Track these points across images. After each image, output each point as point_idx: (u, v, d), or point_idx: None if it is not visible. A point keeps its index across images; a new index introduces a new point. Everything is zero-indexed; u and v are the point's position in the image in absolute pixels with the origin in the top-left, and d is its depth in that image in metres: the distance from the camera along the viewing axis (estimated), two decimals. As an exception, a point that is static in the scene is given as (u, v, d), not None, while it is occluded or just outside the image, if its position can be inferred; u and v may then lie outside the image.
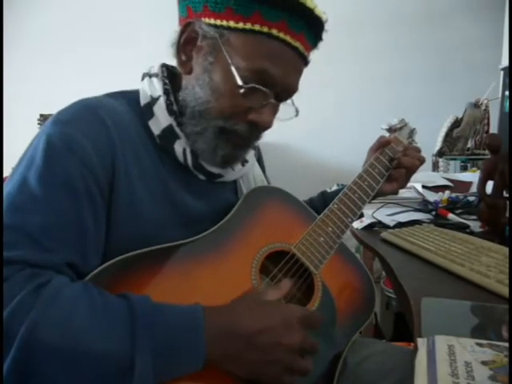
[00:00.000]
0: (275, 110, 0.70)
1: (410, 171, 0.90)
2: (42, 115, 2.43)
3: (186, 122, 0.68)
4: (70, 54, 2.87)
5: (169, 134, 0.68)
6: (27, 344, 0.45)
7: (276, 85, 0.65)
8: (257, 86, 0.63)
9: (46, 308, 0.47)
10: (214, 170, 0.72)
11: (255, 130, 0.68)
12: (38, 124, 2.40)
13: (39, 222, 0.53)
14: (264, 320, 0.55)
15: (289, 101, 0.71)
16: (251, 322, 0.54)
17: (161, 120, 0.68)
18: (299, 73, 0.69)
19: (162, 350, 0.49)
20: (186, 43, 0.68)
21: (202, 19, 0.64)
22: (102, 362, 0.47)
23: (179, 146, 0.68)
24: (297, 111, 0.73)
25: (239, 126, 0.66)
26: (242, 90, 0.63)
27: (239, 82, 0.63)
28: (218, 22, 0.63)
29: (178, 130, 0.68)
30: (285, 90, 0.67)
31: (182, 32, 0.67)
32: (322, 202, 0.94)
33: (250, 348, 0.53)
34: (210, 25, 0.64)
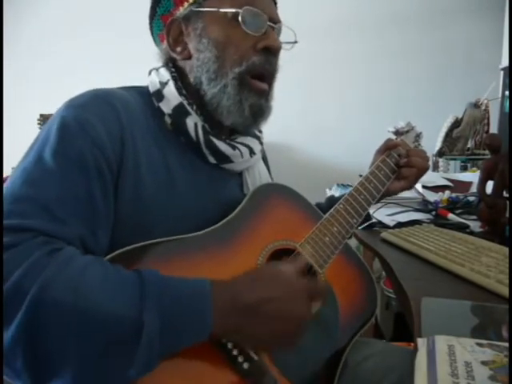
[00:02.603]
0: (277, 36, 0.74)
1: (420, 172, 0.91)
2: (42, 115, 2.43)
3: (205, 90, 0.71)
4: (71, 53, 2.87)
5: (180, 111, 0.71)
6: (38, 301, 0.45)
7: (263, 11, 0.70)
8: (251, 7, 0.69)
9: (59, 268, 0.48)
10: (225, 148, 0.72)
11: (269, 56, 0.72)
12: (38, 124, 2.40)
13: (53, 195, 0.55)
14: (269, 291, 0.56)
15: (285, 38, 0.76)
16: (256, 293, 0.55)
17: (171, 100, 0.71)
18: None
19: (170, 316, 0.49)
20: (175, 41, 0.73)
21: (176, 13, 0.71)
22: (111, 323, 0.47)
23: (191, 121, 0.71)
24: (295, 40, 0.78)
25: (255, 59, 0.70)
26: (239, 18, 0.68)
27: (235, 10, 0.68)
28: (191, 0, 0.70)
29: (188, 107, 0.71)
30: (271, 15, 0.73)
31: (168, 34, 0.73)
32: (329, 206, 0.94)
33: (254, 317, 0.54)
34: (184, 9, 0.71)
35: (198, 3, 0.70)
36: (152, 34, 0.79)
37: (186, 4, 0.71)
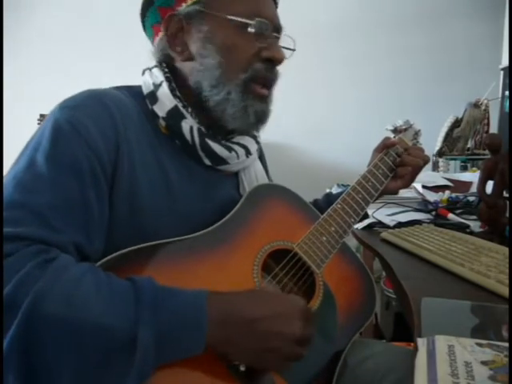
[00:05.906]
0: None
1: (415, 170, 0.90)
2: (42, 115, 2.42)
3: (207, 97, 0.70)
4: (71, 53, 2.87)
5: (175, 114, 0.70)
6: (32, 313, 0.45)
7: (269, 20, 0.70)
8: (261, 19, 0.68)
9: (52, 280, 0.48)
10: (220, 150, 0.72)
11: (271, 67, 0.72)
12: (38, 124, 2.40)
13: (46, 201, 0.54)
14: (266, 308, 0.56)
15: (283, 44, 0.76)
16: (253, 310, 0.55)
17: (166, 103, 0.70)
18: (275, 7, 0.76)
19: (165, 328, 0.49)
20: (174, 37, 0.71)
21: (178, 8, 0.69)
22: (105, 335, 0.47)
23: (186, 124, 0.70)
24: (294, 48, 0.77)
25: (257, 67, 0.70)
26: (249, 29, 0.68)
27: (245, 20, 0.67)
28: None
29: (183, 110, 0.70)
30: (275, 25, 0.72)
31: (166, 28, 0.71)
32: (326, 203, 0.93)
33: (251, 334, 0.54)
34: (188, 6, 0.69)
35: (203, 3, 0.68)
36: (144, 23, 0.76)
37: (189, 1, 0.69)
